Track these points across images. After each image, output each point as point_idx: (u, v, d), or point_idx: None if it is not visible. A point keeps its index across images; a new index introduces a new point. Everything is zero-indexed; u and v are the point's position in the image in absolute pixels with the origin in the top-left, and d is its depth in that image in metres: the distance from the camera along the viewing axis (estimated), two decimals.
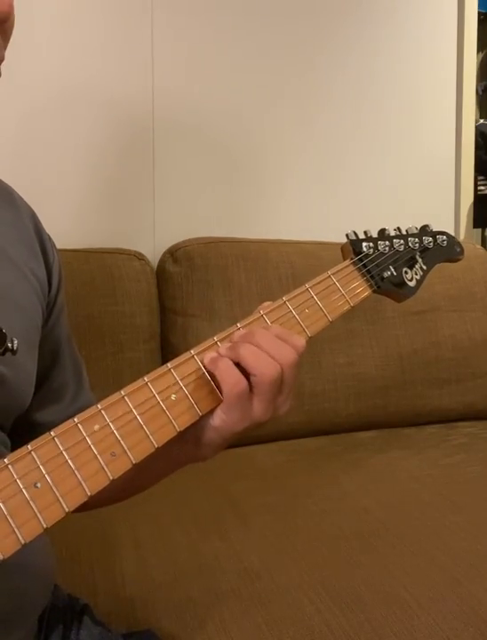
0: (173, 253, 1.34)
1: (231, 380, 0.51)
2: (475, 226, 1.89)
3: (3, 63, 0.57)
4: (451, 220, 1.74)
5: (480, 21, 1.74)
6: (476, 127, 1.79)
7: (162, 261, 1.35)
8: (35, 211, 0.70)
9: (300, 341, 0.55)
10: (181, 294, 1.31)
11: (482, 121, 2.14)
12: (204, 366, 0.53)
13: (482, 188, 2.07)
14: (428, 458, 1.23)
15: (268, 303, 0.59)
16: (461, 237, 1.73)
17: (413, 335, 1.41)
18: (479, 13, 1.73)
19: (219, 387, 0.52)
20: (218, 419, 0.53)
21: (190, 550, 0.89)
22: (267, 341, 0.53)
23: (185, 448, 0.56)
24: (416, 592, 0.78)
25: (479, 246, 1.65)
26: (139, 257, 1.32)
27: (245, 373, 0.52)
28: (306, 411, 1.33)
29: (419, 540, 0.90)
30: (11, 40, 0.58)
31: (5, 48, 0.57)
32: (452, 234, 0.80)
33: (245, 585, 0.80)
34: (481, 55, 2.52)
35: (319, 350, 1.35)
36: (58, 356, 0.69)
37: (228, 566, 0.84)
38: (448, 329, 1.44)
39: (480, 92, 2.57)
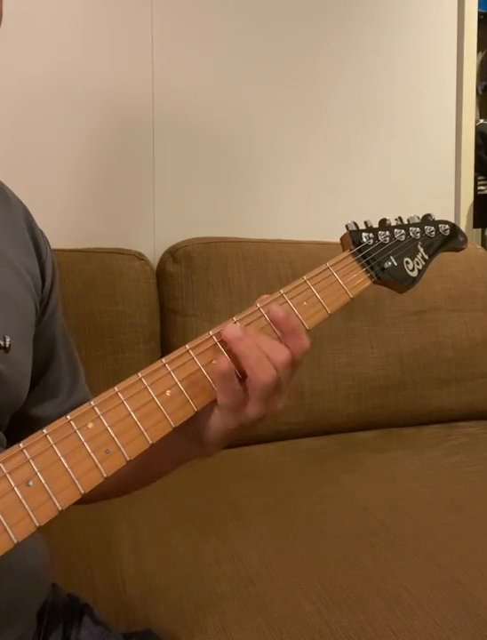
0: (173, 253, 1.34)
1: (229, 391, 0.51)
2: (475, 226, 1.90)
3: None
4: (451, 220, 1.73)
5: (480, 21, 1.74)
6: (476, 127, 1.79)
7: (162, 261, 1.35)
8: (36, 211, 0.70)
9: (306, 342, 0.54)
10: (181, 294, 1.31)
11: (482, 121, 2.15)
12: (204, 366, 0.52)
13: (482, 187, 2.07)
14: (428, 458, 1.22)
15: (266, 296, 0.58)
16: None
17: (413, 335, 1.41)
18: (479, 13, 1.73)
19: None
20: (213, 417, 0.53)
21: (190, 550, 0.89)
22: (263, 341, 0.52)
23: (186, 445, 0.56)
24: (416, 592, 0.78)
25: (479, 246, 1.65)
26: (139, 257, 1.32)
27: (240, 368, 0.51)
28: (306, 411, 1.33)
29: (418, 540, 0.90)
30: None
31: None
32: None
33: (245, 585, 0.80)
34: (481, 55, 2.53)
35: (319, 350, 1.34)
36: (53, 352, 0.69)
37: (228, 566, 0.84)
38: (448, 329, 1.44)
39: (480, 92, 2.57)
